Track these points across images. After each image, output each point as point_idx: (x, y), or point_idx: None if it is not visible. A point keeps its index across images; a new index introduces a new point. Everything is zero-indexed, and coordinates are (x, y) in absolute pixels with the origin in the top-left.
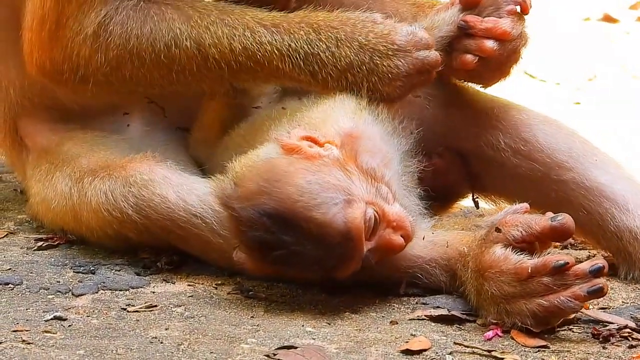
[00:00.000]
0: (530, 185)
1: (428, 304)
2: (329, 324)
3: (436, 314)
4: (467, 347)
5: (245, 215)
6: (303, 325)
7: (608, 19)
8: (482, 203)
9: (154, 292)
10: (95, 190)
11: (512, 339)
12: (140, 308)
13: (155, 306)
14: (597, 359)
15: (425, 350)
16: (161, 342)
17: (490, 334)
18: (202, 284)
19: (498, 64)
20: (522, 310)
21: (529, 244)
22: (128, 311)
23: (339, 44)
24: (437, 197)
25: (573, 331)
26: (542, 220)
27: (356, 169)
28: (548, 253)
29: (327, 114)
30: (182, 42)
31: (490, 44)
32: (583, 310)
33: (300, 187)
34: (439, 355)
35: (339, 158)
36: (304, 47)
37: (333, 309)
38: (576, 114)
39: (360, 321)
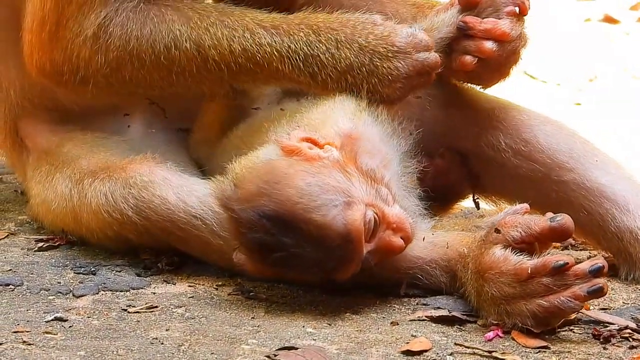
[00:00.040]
0: (531, 185)
1: (429, 305)
2: (330, 324)
3: (437, 315)
4: (468, 347)
5: (245, 217)
6: (304, 326)
7: (609, 19)
8: (483, 204)
9: (154, 293)
10: (95, 191)
11: (513, 339)
12: (141, 309)
13: (156, 307)
14: None
15: (426, 351)
16: (162, 343)
17: (490, 334)
18: (202, 284)
19: (497, 65)
20: (523, 311)
21: (528, 245)
22: (129, 312)
23: (339, 45)
24: (438, 197)
25: (574, 332)
26: (541, 221)
27: (356, 170)
28: (548, 253)
29: (326, 115)
30: (182, 44)
31: (489, 45)
32: (583, 310)
33: (300, 189)
34: (439, 356)
35: (339, 160)
36: (303, 48)
37: (334, 310)
38: (577, 114)
39: (360, 322)
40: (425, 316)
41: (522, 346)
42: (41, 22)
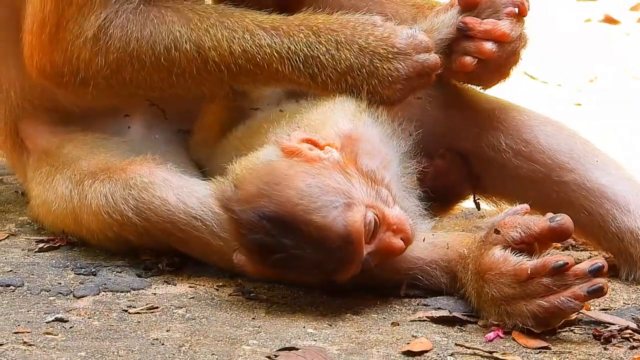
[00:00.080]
0: (531, 186)
1: (429, 306)
2: (330, 325)
3: (437, 316)
4: (469, 348)
5: (245, 218)
6: (304, 327)
7: (609, 20)
8: (483, 204)
9: (155, 294)
10: (95, 192)
11: (514, 340)
12: (142, 310)
13: (157, 308)
14: None
15: (426, 351)
16: (162, 344)
17: (491, 335)
18: (203, 285)
19: (497, 66)
20: (523, 312)
21: (528, 245)
22: (129, 313)
23: (339, 46)
24: (438, 198)
25: (574, 332)
26: (540, 221)
27: (356, 171)
28: (548, 254)
29: (326, 116)
30: (182, 45)
31: (489, 45)
32: (584, 311)
33: (300, 191)
34: (440, 357)
35: (339, 161)
36: (303, 49)
37: (334, 311)
38: (577, 115)
39: (361, 322)
40: (426, 317)
41: (523, 347)
42: (41, 24)
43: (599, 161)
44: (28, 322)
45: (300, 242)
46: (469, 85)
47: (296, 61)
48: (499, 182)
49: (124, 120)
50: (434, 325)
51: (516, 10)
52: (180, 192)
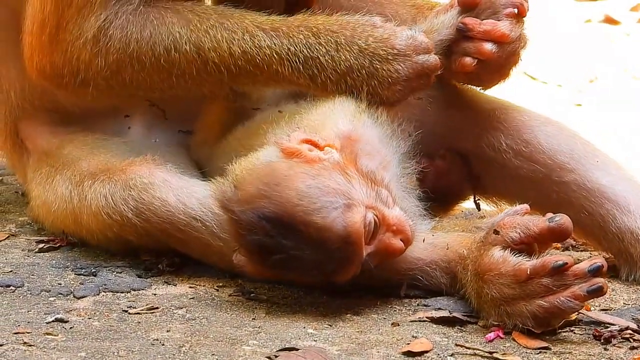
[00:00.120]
0: (532, 186)
1: (429, 306)
2: (331, 325)
3: (437, 316)
4: (469, 348)
5: (245, 219)
6: (304, 327)
7: (609, 20)
8: (484, 205)
9: (155, 294)
10: (95, 193)
11: (514, 340)
12: (142, 310)
13: (157, 308)
14: None
15: (426, 352)
16: (162, 344)
17: (491, 335)
18: (203, 286)
19: (497, 67)
20: (523, 312)
21: (527, 246)
22: (129, 313)
23: (339, 47)
24: (438, 198)
25: (574, 333)
26: (540, 222)
27: (356, 172)
28: (547, 254)
29: (326, 117)
30: (182, 46)
31: (488, 46)
32: (584, 311)
33: (300, 191)
34: (440, 357)
35: (339, 162)
36: (303, 50)
37: (334, 311)
38: (577, 115)
39: (361, 323)
40: (426, 317)
41: (523, 347)
42: (41, 25)
43: (600, 161)
44: (28, 322)
45: (300, 243)
46: (469, 85)
47: (296, 62)
48: (499, 183)
49: (124, 120)
50: (434, 325)
51: (515, 10)
52: (180, 192)
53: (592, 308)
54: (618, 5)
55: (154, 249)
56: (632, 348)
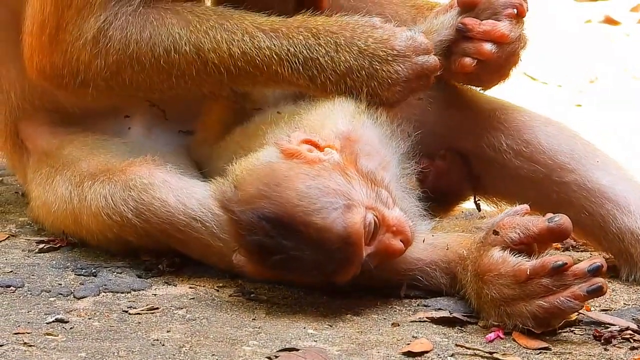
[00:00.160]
0: (532, 186)
1: (429, 306)
2: (331, 326)
3: (438, 316)
4: (469, 349)
5: (245, 219)
6: (305, 328)
7: (609, 21)
8: (484, 205)
9: (155, 295)
10: (95, 194)
11: (514, 340)
12: (142, 310)
13: (157, 308)
14: None
15: (427, 352)
16: (163, 345)
17: (491, 335)
18: (203, 286)
19: (497, 67)
20: (523, 312)
21: (527, 246)
22: (130, 313)
23: (338, 48)
24: (438, 198)
25: (574, 333)
26: (539, 222)
27: (356, 173)
28: (547, 254)
29: (326, 117)
30: (182, 47)
31: (488, 46)
32: (584, 312)
33: (300, 192)
34: (440, 357)
35: (339, 162)
36: (302, 51)
37: (335, 311)
38: (577, 115)
39: (361, 323)
40: (426, 317)
41: (523, 347)
42: (41, 25)
43: (600, 162)
44: (28, 322)
45: (300, 243)
46: (469, 86)
47: (295, 63)
48: (500, 183)
49: (124, 121)
50: (435, 325)
51: (515, 11)
52: (180, 193)
53: (592, 308)
54: (618, 6)
55: (154, 250)
56: (633, 348)
